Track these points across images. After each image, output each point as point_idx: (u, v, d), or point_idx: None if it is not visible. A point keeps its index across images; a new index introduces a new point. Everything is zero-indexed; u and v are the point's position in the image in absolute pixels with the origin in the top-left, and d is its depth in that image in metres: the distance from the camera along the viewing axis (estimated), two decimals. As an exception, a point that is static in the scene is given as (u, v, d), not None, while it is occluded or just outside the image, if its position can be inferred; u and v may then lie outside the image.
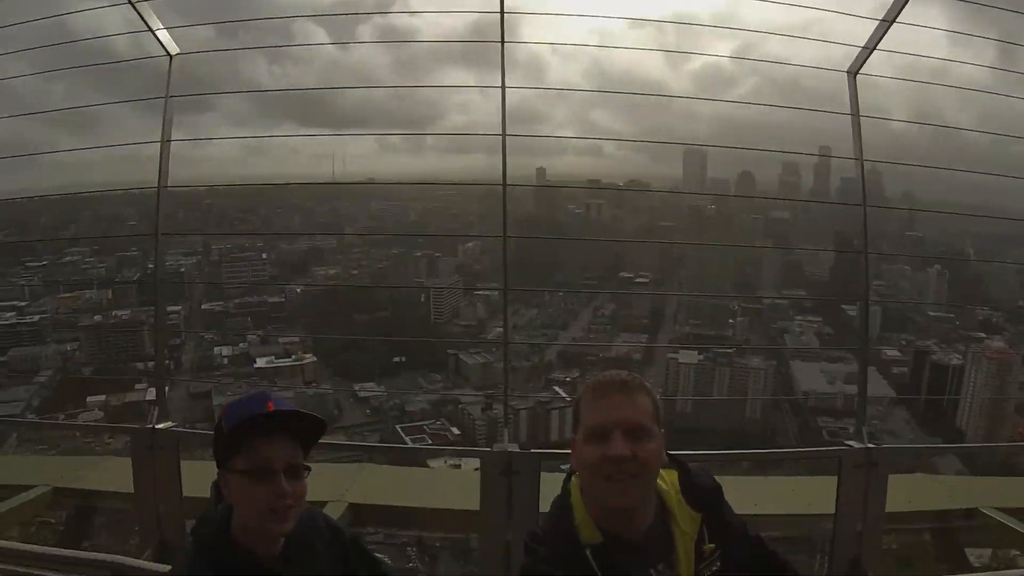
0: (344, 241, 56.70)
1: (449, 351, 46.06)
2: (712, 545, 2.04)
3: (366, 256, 52.71)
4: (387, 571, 2.40)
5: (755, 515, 4.26)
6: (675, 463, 2.18)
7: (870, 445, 3.04)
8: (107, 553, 3.58)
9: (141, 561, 2.99)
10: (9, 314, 47.47)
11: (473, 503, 3.18)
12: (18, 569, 3.01)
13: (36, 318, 47.40)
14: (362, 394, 44.90)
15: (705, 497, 2.11)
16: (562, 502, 2.06)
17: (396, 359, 46.24)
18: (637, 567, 1.95)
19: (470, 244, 50.31)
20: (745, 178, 61.50)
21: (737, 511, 4.21)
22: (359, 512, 4.96)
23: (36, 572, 3.03)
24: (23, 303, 48.19)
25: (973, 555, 4.63)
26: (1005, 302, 52.32)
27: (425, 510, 5.14)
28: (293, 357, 46.18)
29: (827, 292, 57.48)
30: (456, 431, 41.99)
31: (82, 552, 3.87)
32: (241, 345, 47.62)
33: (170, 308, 47.76)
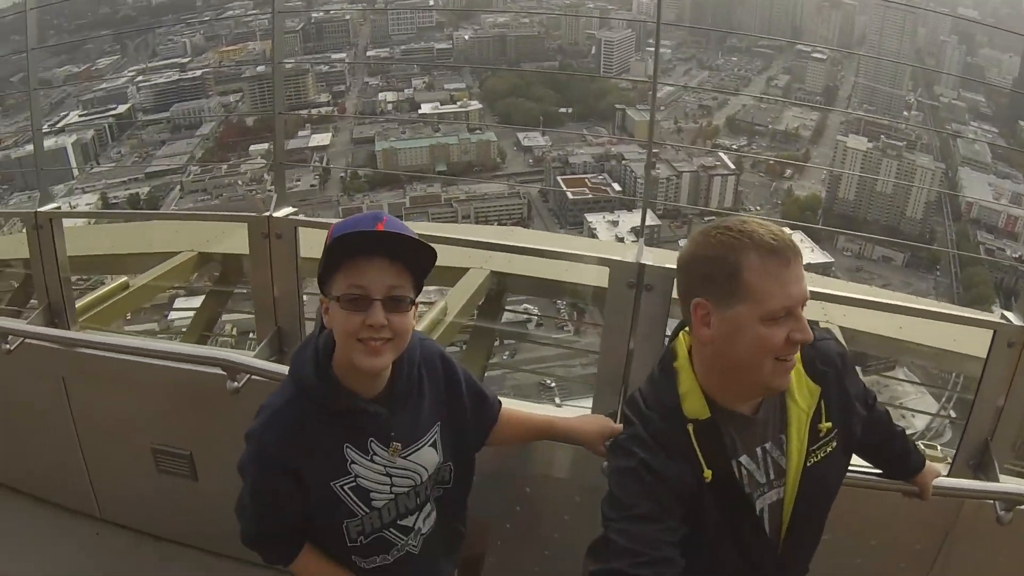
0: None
1: (617, 105, 45.25)
2: (829, 424, 1.70)
3: (538, 4, 51.42)
4: (493, 406, 2.11)
5: (897, 339, 4.23)
6: None
7: (1030, 324, 2.47)
8: (220, 349, 3.69)
9: (251, 358, 2.78)
10: (170, 72, 48.93)
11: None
12: (135, 359, 2.95)
13: (199, 73, 48.65)
14: (526, 142, 44.96)
15: (827, 368, 1.74)
16: (665, 366, 1.72)
17: (562, 110, 45.67)
18: (743, 446, 1.67)
19: None
20: None
21: (880, 333, 4.22)
22: (500, 280, 4.77)
23: (151, 361, 2.93)
24: (185, 59, 49.45)
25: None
26: None
27: (564, 283, 4.77)
28: (459, 103, 46.43)
29: (1008, 102, 53.56)
30: (617, 187, 41.83)
31: (195, 347, 3.89)
32: (406, 91, 48.14)
33: (334, 55, 48.64)
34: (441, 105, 45.22)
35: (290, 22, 48.18)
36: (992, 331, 2.58)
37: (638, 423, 1.66)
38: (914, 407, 17.39)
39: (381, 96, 46.29)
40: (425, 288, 1.81)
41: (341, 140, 45.70)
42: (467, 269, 4.56)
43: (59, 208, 3.31)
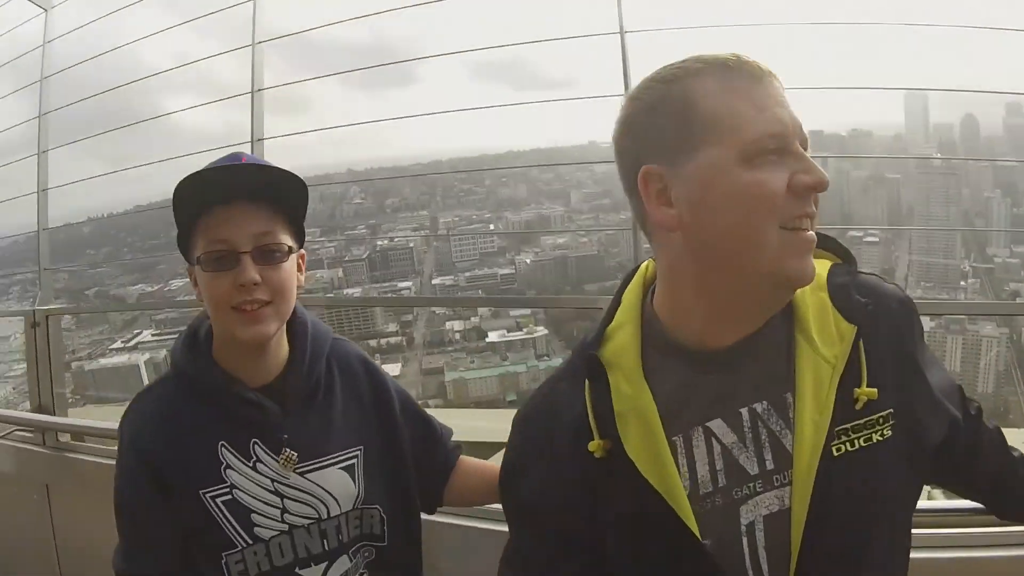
0: (571, 207, 57.02)
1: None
2: (874, 391, 1.01)
3: (595, 222, 51.97)
4: (445, 440, 1.68)
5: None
6: (827, 243, 1.15)
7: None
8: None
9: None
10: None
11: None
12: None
13: (271, 301, 49.83)
14: (596, 366, 44.48)
15: (871, 302, 1.07)
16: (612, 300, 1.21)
17: (627, 330, 44.93)
18: (713, 402, 1.05)
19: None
20: (968, 121, 56.91)
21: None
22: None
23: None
24: (255, 286, 50.82)
25: None
26: None
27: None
28: (524, 330, 47.10)
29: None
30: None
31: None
32: (472, 319, 48.69)
33: (400, 284, 49.59)
34: (508, 332, 45.99)
35: (356, 250, 49.58)
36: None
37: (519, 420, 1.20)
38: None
39: (448, 325, 47.22)
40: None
41: (411, 370, 46.09)
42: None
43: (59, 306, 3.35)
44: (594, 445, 1.05)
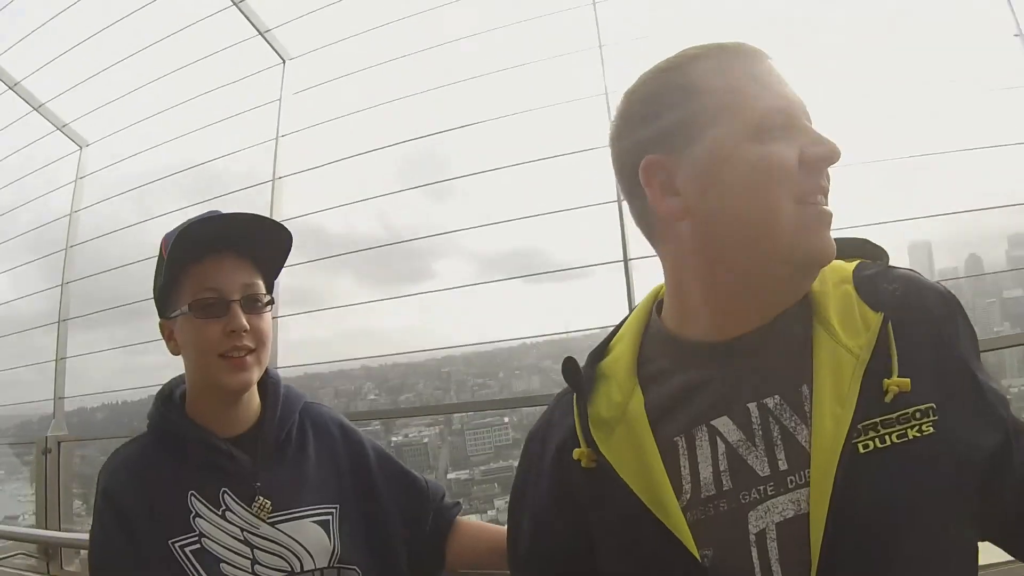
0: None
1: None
2: (905, 380, 0.84)
3: None
4: (434, 497, 1.52)
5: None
6: (863, 248, 1.02)
7: None
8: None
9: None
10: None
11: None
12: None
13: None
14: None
15: (899, 289, 0.92)
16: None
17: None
18: (718, 399, 0.91)
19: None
20: (972, 261, 58.29)
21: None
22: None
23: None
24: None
25: None
26: None
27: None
28: (542, 524, 45.64)
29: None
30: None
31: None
32: (489, 512, 47.49)
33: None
34: (525, 527, 45.01)
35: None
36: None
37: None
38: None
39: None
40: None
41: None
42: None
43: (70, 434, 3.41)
44: (578, 452, 0.97)
